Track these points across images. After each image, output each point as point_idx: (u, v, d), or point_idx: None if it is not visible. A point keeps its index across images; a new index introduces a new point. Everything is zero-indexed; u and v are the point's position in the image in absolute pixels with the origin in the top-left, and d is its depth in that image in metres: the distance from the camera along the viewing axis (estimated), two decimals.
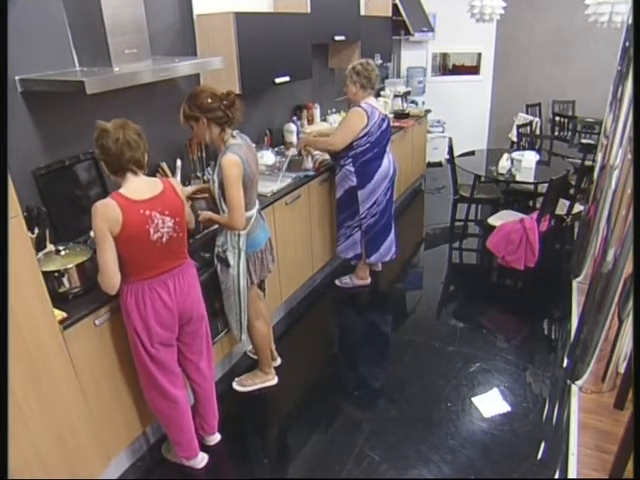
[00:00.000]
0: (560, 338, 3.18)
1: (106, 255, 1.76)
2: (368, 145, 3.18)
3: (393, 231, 3.60)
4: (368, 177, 3.27)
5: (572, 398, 2.59)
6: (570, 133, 5.90)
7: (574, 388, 2.65)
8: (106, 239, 1.73)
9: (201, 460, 2.26)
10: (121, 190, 1.78)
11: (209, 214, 2.30)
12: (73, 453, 1.89)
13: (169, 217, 1.84)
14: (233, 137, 2.21)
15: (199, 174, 3.02)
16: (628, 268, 2.37)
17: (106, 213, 1.71)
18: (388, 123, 3.27)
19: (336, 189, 3.45)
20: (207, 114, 2.10)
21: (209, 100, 2.09)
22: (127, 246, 1.79)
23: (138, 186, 1.81)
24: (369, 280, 3.76)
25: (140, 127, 1.82)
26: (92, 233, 1.83)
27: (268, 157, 3.35)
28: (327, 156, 3.48)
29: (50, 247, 2.02)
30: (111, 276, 1.79)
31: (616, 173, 2.90)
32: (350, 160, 3.24)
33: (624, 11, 3.43)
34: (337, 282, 3.78)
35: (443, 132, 6.35)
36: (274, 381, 2.77)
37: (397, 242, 3.68)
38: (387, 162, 3.31)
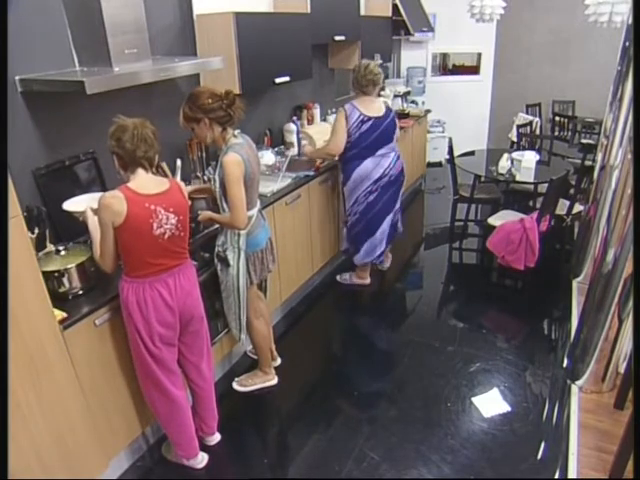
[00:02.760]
0: (560, 338, 3.18)
1: (105, 243, 1.82)
2: (348, 145, 3.26)
3: (377, 236, 3.50)
4: (347, 175, 3.37)
5: (572, 398, 2.59)
6: (570, 133, 5.91)
7: (574, 388, 2.65)
8: (108, 229, 1.78)
9: (201, 460, 2.27)
10: (129, 184, 1.81)
11: (209, 214, 2.30)
12: (73, 453, 1.89)
13: (173, 214, 1.85)
14: (235, 136, 2.21)
15: (199, 174, 3.02)
16: (628, 268, 2.37)
17: (112, 205, 1.73)
18: (373, 126, 3.22)
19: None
20: (209, 114, 2.10)
21: (210, 100, 2.09)
22: (129, 238, 1.80)
23: (146, 181, 1.83)
24: (368, 281, 3.76)
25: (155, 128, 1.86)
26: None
27: (268, 157, 3.35)
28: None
29: (50, 247, 2.03)
30: (108, 260, 1.85)
31: (616, 173, 2.90)
32: (342, 156, 3.37)
33: (624, 11, 3.43)
34: (338, 277, 3.84)
35: (443, 132, 6.35)
36: (274, 381, 2.77)
37: (384, 248, 3.61)
38: (369, 164, 3.29)
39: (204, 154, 3.05)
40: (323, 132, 4.04)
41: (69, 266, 1.89)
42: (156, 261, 1.87)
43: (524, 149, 4.88)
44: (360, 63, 3.25)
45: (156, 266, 1.88)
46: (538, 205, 4.10)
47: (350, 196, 3.41)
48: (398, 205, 3.58)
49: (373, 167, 3.30)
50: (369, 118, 3.21)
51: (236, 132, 2.23)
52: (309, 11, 3.44)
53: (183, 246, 1.97)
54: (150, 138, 1.80)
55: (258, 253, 2.40)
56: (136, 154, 1.78)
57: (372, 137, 3.25)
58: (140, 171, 1.83)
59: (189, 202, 1.98)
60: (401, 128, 4.73)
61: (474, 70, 6.48)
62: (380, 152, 3.30)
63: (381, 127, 3.26)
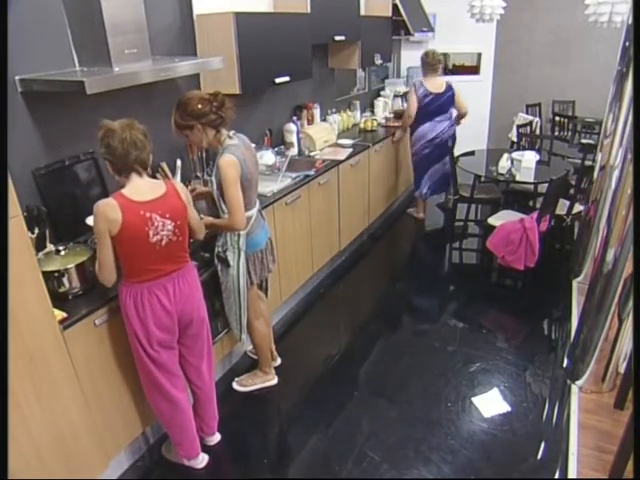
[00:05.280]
0: (560, 338, 3.18)
1: (103, 254, 1.79)
2: (418, 110, 4.38)
3: (425, 178, 4.67)
4: (412, 132, 4.57)
5: (572, 398, 2.59)
6: (570, 133, 5.90)
7: (574, 388, 2.66)
8: (104, 239, 1.75)
9: (201, 460, 2.27)
10: (123, 190, 1.78)
11: (210, 220, 2.29)
12: (73, 453, 1.89)
13: (169, 220, 1.84)
14: (230, 137, 2.20)
15: (199, 174, 3.02)
16: (628, 268, 2.37)
17: (106, 213, 1.71)
18: (435, 98, 4.32)
19: None
20: (200, 119, 2.09)
21: (200, 106, 2.08)
22: (126, 246, 1.79)
23: (141, 187, 1.80)
24: (422, 215, 4.91)
25: (145, 127, 1.82)
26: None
27: (268, 157, 3.35)
28: (328, 155, 3.63)
29: (50, 247, 2.02)
30: (107, 271, 1.83)
31: (616, 173, 2.90)
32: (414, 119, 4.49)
33: (624, 11, 3.42)
34: (408, 210, 5.12)
35: None
36: (274, 381, 2.77)
37: (428, 190, 4.72)
38: (427, 127, 4.43)
39: (204, 154, 3.05)
40: (323, 132, 4.05)
41: (69, 266, 1.89)
42: (154, 267, 1.86)
43: (524, 149, 4.87)
44: (426, 51, 4.32)
45: (154, 272, 1.87)
46: (538, 205, 4.10)
47: (412, 147, 4.60)
48: (447, 159, 4.46)
49: (429, 130, 4.42)
50: (430, 93, 4.31)
51: (231, 133, 2.22)
52: (309, 11, 3.44)
53: (182, 250, 1.95)
54: (140, 140, 1.75)
55: (258, 253, 2.40)
56: (128, 159, 1.74)
57: (431, 107, 4.34)
58: (134, 176, 1.79)
59: (189, 204, 1.97)
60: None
61: (474, 70, 6.47)
62: (437, 119, 4.40)
63: (439, 101, 4.34)
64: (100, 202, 1.74)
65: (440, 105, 4.35)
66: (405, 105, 5.62)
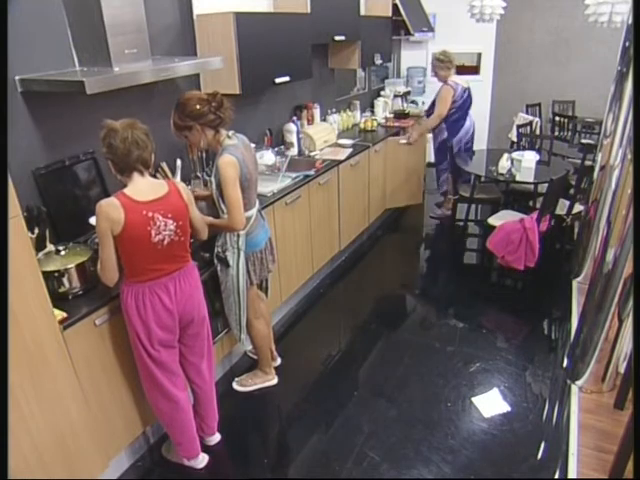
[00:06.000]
0: (560, 338, 3.18)
1: (105, 253, 1.79)
2: (454, 109, 4.45)
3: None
4: (454, 132, 4.53)
5: (572, 398, 2.59)
6: (570, 133, 5.90)
7: (574, 388, 2.66)
8: (107, 238, 1.75)
9: (201, 460, 2.27)
10: (126, 190, 1.78)
11: (209, 220, 2.29)
12: (73, 453, 1.89)
13: (171, 220, 1.84)
14: (229, 137, 2.20)
15: (199, 174, 3.02)
16: (628, 268, 2.37)
17: (109, 213, 1.72)
18: (468, 93, 4.49)
19: (433, 141, 4.80)
20: (199, 120, 2.10)
21: (198, 107, 2.08)
22: (128, 246, 1.79)
23: (143, 187, 1.80)
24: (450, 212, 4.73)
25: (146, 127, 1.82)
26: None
27: (268, 157, 3.35)
28: (328, 155, 3.60)
29: (50, 247, 2.02)
30: (109, 270, 1.83)
31: (616, 173, 2.90)
32: (443, 119, 4.52)
33: (624, 11, 3.42)
34: (431, 214, 5.04)
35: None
36: (274, 381, 2.77)
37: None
38: (469, 122, 4.58)
39: (204, 154, 3.05)
40: (323, 132, 4.05)
41: (69, 266, 1.89)
42: (156, 267, 1.86)
43: (524, 149, 4.87)
44: (442, 52, 4.40)
45: (156, 271, 1.87)
46: (538, 205, 4.09)
47: (454, 148, 4.49)
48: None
49: (470, 125, 4.60)
50: (466, 89, 4.48)
51: (230, 133, 2.22)
52: (309, 11, 3.44)
53: (184, 250, 1.95)
54: (142, 140, 1.76)
55: (257, 253, 2.40)
56: (129, 159, 1.74)
57: (467, 103, 4.52)
58: (136, 176, 1.80)
59: (191, 203, 1.97)
60: (401, 128, 4.76)
61: (474, 70, 6.46)
62: (470, 113, 4.59)
63: (470, 96, 4.53)
64: (103, 202, 1.74)
65: (471, 99, 4.56)
66: (405, 105, 5.65)
